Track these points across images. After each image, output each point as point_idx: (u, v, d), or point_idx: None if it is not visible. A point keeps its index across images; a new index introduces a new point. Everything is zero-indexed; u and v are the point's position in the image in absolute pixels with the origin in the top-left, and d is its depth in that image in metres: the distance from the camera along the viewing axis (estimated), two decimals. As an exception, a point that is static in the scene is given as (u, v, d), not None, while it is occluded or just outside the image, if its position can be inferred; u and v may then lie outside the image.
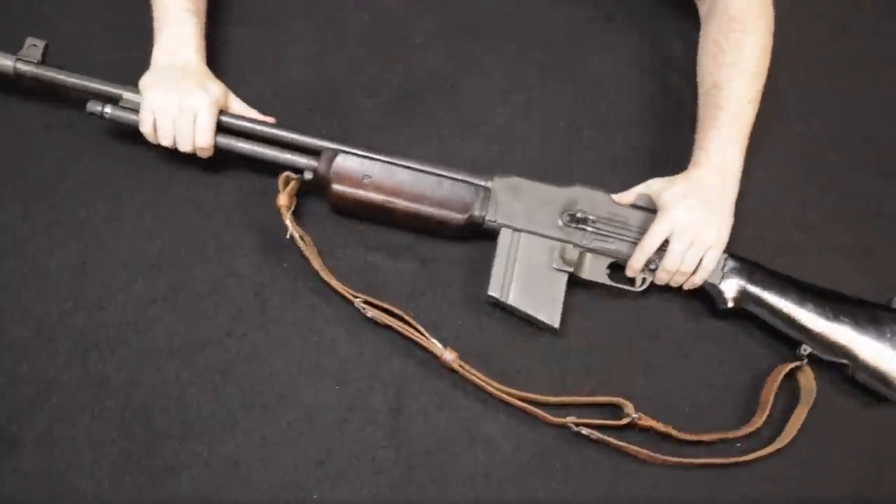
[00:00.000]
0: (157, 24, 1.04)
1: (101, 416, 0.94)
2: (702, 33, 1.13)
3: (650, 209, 1.03)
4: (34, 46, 1.01)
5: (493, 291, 1.00)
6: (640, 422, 0.96)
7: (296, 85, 1.16)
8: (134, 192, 1.06)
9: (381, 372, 0.99)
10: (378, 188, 1.01)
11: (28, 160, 1.07)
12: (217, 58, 1.17)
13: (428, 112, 1.15)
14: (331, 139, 1.03)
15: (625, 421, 0.96)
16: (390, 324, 0.98)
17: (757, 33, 1.07)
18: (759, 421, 0.98)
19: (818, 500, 0.97)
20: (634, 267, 1.01)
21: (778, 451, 0.98)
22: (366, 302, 0.98)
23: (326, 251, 1.05)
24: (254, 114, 1.05)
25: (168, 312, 1.00)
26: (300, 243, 0.99)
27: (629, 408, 0.96)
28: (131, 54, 1.14)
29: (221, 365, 0.97)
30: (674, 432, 0.97)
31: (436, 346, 0.96)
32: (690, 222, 0.98)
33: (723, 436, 0.98)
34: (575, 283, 1.02)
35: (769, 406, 0.99)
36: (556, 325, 1.00)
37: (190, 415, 0.95)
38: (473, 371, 0.96)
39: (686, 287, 1.02)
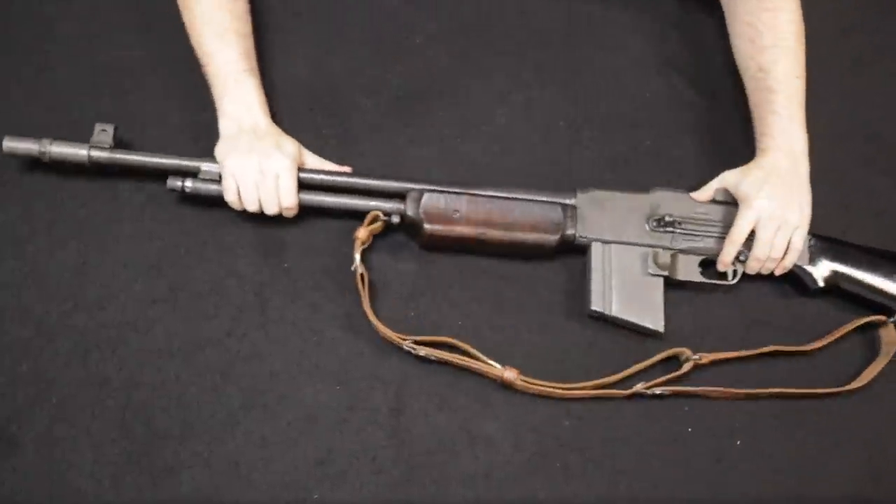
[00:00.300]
0: (215, 91, 1.02)
1: (101, 416, 0.94)
2: (730, 17, 1.13)
3: (730, 202, 1.04)
4: (104, 131, 1.00)
5: (596, 306, 1.01)
6: (703, 361, 0.98)
7: (296, 84, 1.16)
8: (134, 192, 1.06)
9: (382, 372, 0.99)
10: (469, 221, 1.01)
11: (28, 160, 1.07)
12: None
13: (428, 112, 1.15)
14: (411, 180, 1.02)
15: (688, 367, 0.98)
16: (444, 358, 0.97)
17: (788, 8, 1.08)
18: (815, 344, 1.02)
19: (817, 498, 0.97)
20: (725, 261, 1.03)
21: (849, 392, 1.01)
22: (416, 342, 0.97)
23: (326, 251, 1.05)
24: (330, 165, 1.05)
25: (168, 312, 1.00)
26: (359, 281, 0.98)
27: (687, 353, 0.98)
28: (132, 54, 1.15)
29: (222, 365, 0.97)
30: (742, 353, 1.00)
31: (495, 367, 0.96)
32: (773, 208, 0.99)
33: (779, 348, 1.02)
34: (668, 284, 1.03)
35: (830, 339, 1.03)
36: (662, 329, 1.01)
37: (190, 415, 0.95)
38: (537, 381, 0.96)
39: (777, 272, 1.03)
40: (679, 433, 0.98)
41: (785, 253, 1.01)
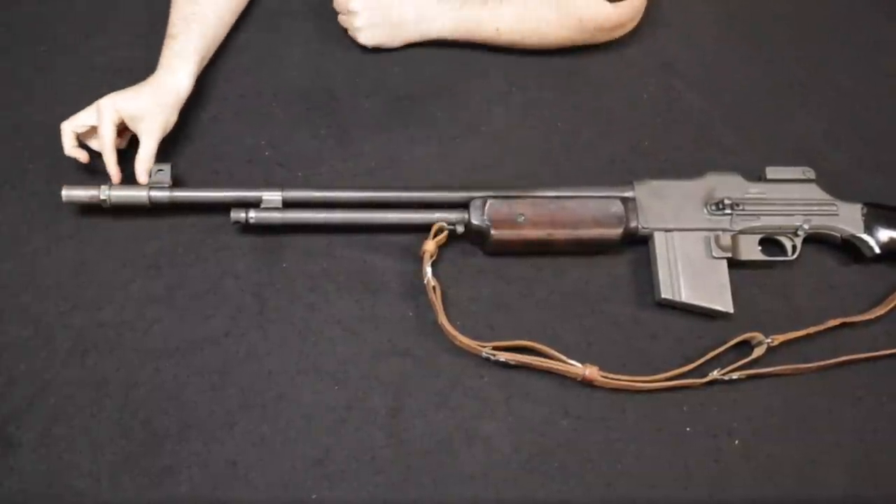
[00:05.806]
0: None
1: (99, 416, 0.94)
2: None
3: (788, 180, 1.07)
4: (161, 171, 1.01)
5: (666, 294, 1.02)
6: (774, 344, 1.00)
7: (295, 85, 1.17)
8: (133, 193, 1.06)
9: (380, 372, 0.98)
10: (535, 224, 1.01)
11: (27, 159, 1.07)
12: (217, 59, 1.18)
13: (426, 113, 1.16)
14: (472, 188, 1.03)
15: (761, 351, 0.99)
16: (524, 362, 0.97)
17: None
18: (879, 311, 1.03)
19: (815, 499, 0.97)
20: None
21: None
22: (495, 348, 0.97)
23: (326, 252, 1.05)
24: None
25: (166, 312, 1.00)
26: (431, 293, 0.99)
27: (759, 337, 1.00)
28: (133, 54, 1.16)
29: (220, 365, 0.97)
30: (811, 329, 1.01)
31: (575, 366, 0.97)
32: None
33: (846, 320, 1.03)
34: (730, 265, 1.04)
35: (891, 304, 1.04)
36: (732, 310, 1.02)
37: (188, 415, 0.95)
38: (617, 377, 0.97)
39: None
40: (677, 433, 0.98)
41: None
